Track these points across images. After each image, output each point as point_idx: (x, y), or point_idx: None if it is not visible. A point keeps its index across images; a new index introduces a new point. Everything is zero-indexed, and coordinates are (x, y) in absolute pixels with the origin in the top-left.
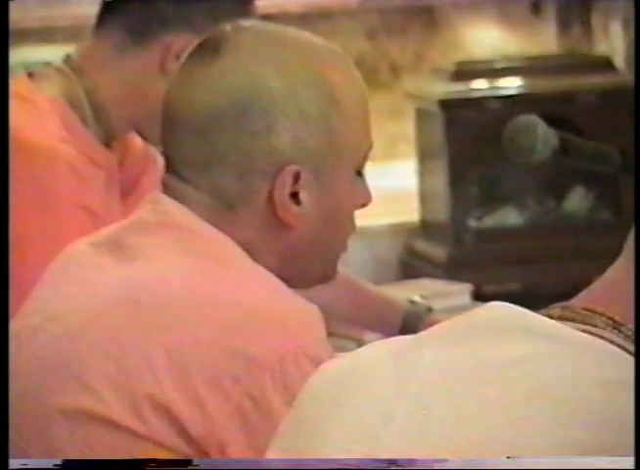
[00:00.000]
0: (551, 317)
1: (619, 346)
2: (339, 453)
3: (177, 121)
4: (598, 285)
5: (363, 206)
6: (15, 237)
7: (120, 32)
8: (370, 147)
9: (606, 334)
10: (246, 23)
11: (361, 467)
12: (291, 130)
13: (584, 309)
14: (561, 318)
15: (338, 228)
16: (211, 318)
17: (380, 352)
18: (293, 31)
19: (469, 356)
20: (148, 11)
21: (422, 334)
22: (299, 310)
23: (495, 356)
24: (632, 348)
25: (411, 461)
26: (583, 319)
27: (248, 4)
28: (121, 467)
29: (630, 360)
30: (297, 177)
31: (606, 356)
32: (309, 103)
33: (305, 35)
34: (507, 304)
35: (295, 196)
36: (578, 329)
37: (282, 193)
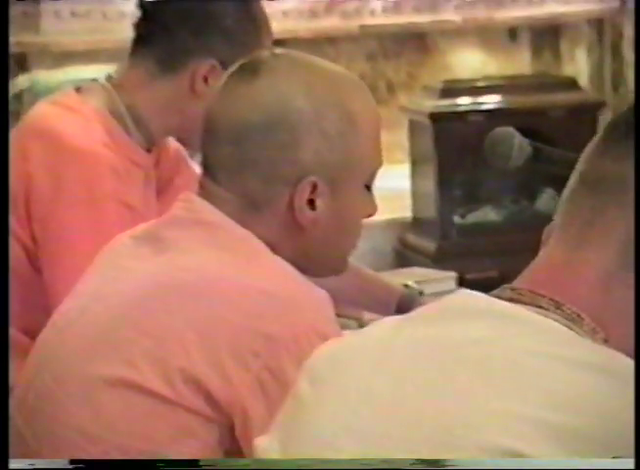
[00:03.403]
0: (502, 298)
1: (566, 325)
2: (326, 433)
3: (216, 131)
4: (536, 269)
5: (369, 216)
6: (64, 230)
7: (150, 62)
8: (380, 165)
9: (551, 315)
10: (281, 51)
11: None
12: (313, 145)
13: (530, 292)
14: (511, 300)
15: (346, 233)
16: (236, 302)
17: (370, 332)
18: (321, 61)
19: (439, 336)
20: (172, 43)
21: (408, 315)
22: (312, 295)
23: (461, 336)
24: (576, 327)
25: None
26: (531, 301)
27: (260, 31)
28: (133, 467)
29: (580, 339)
30: (314, 187)
31: (560, 335)
32: (331, 123)
33: (331, 65)
34: (473, 291)
35: (311, 202)
36: (529, 310)
37: (301, 199)
